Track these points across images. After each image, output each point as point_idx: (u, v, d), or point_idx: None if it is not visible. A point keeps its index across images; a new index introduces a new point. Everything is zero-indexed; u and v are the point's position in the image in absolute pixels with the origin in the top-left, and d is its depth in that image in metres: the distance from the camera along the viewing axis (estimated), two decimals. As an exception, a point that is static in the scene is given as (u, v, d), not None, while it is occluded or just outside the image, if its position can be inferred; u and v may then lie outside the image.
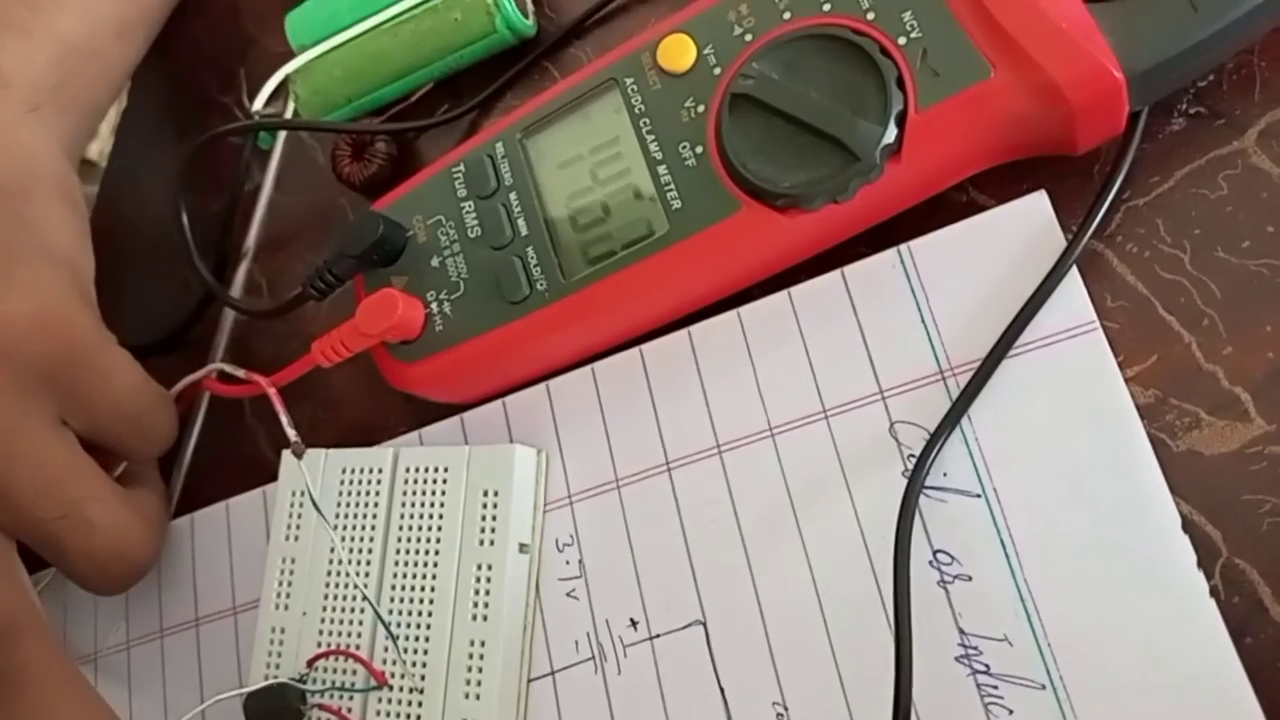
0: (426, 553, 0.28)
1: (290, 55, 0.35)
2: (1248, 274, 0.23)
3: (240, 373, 0.32)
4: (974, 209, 0.26)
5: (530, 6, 0.34)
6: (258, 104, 0.35)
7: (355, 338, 0.28)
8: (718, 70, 0.26)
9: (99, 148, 0.48)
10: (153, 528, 0.32)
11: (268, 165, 0.38)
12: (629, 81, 0.27)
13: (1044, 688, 0.22)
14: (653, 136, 0.26)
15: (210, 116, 0.41)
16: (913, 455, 0.25)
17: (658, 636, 0.26)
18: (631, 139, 0.27)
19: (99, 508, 0.29)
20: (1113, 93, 0.22)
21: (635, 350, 0.28)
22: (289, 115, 0.36)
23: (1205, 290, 0.24)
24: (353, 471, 0.30)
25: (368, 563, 0.28)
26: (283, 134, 0.38)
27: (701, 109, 0.26)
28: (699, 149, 0.26)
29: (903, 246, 0.26)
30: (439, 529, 0.28)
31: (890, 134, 0.23)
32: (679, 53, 0.26)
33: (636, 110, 0.27)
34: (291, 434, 0.30)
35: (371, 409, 0.33)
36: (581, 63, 0.33)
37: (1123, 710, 0.22)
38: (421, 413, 0.31)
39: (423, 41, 0.33)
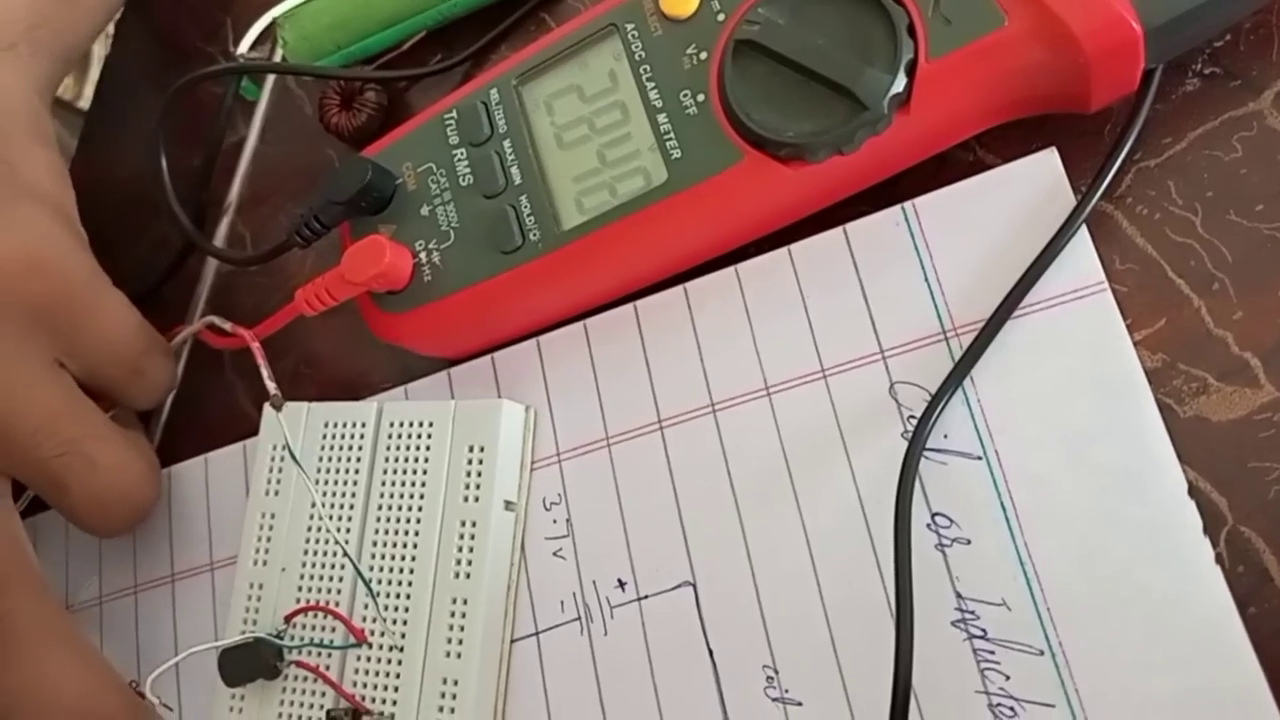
0: (409, 509, 0.27)
1: (277, 3, 0.34)
2: (1260, 238, 0.23)
3: (227, 326, 0.31)
4: (981, 168, 0.25)
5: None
6: (242, 48, 0.34)
7: (340, 285, 0.27)
8: (722, 16, 0.25)
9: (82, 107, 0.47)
10: (154, 468, 0.31)
11: (253, 115, 0.37)
12: (629, 27, 0.26)
13: (1042, 654, 0.22)
14: (653, 84, 0.26)
15: (194, 68, 0.40)
16: (913, 417, 0.24)
17: (646, 598, 0.26)
18: (631, 87, 0.26)
19: (100, 445, 0.29)
20: (1129, 45, 0.22)
21: (629, 306, 0.28)
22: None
23: (1216, 254, 0.23)
24: (335, 425, 0.29)
25: (349, 518, 0.28)
26: (269, 83, 0.37)
27: (704, 56, 0.25)
28: (700, 97, 0.25)
29: (907, 204, 0.25)
30: (423, 485, 0.27)
31: (899, 83, 0.23)
32: (682, -3, 0.25)
33: (636, 57, 0.26)
34: (271, 386, 0.29)
35: (355, 364, 0.32)
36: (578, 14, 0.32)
37: (1123, 678, 0.21)
38: (407, 368, 0.30)
39: (416, -14, 0.32)
